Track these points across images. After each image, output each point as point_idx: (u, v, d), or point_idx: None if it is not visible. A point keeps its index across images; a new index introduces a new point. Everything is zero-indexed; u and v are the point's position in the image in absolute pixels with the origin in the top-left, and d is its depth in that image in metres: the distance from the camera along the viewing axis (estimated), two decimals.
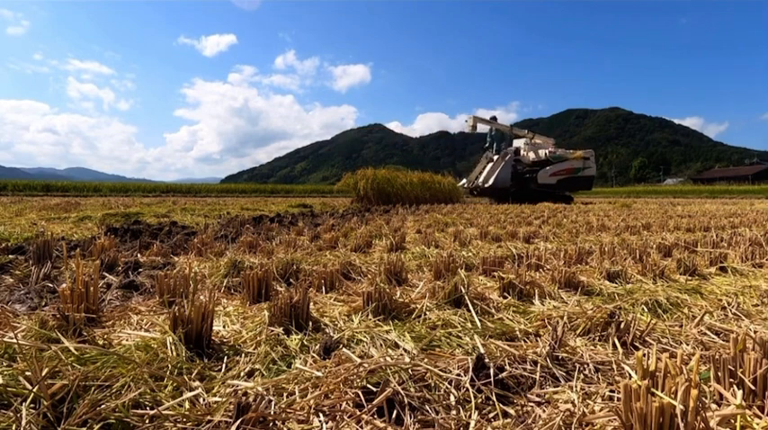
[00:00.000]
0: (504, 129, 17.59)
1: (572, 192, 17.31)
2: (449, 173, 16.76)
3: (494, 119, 17.79)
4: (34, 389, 0.87)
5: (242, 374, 1.12)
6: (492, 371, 1.05)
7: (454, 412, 0.94)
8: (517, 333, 1.45)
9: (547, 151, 16.53)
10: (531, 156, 16.68)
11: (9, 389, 0.89)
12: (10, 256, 2.58)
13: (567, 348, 1.27)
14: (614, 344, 1.32)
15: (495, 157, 16.22)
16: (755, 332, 1.47)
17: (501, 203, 14.31)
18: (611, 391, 1.03)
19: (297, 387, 1.01)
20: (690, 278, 2.37)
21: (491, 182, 15.50)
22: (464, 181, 17.30)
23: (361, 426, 0.88)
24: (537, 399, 1.01)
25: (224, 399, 0.96)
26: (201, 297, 1.72)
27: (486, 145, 17.43)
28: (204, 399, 0.96)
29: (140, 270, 2.33)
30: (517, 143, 17.47)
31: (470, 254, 3.04)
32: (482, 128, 17.52)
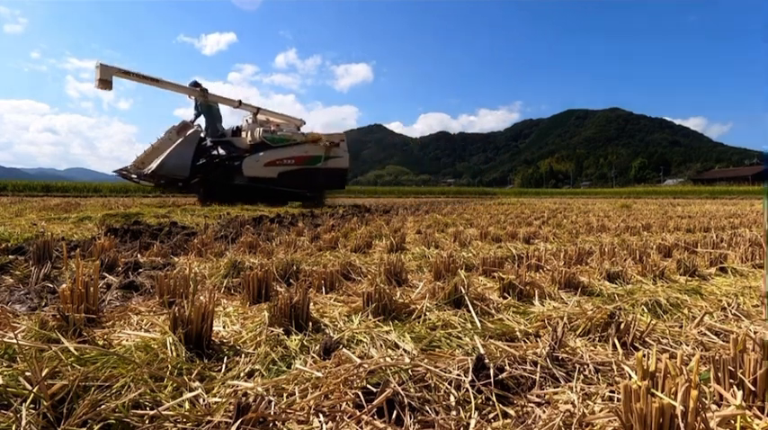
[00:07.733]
0: (198, 95, 11.86)
1: (313, 190, 12.25)
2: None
3: (196, 84, 12.06)
4: (34, 390, 0.87)
5: (242, 375, 1.12)
6: (492, 371, 1.05)
7: (454, 413, 0.94)
8: (517, 333, 1.45)
9: (261, 130, 11.53)
10: (249, 138, 11.75)
11: (9, 389, 0.89)
12: (10, 257, 2.58)
13: (567, 349, 1.27)
14: (614, 345, 1.32)
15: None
16: (755, 332, 1.47)
17: (187, 194, 10.29)
18: (612, 392, 1.03)
19: (297, 387, 1.01)
20: (690, 279, 2.37)
21: (155, 165, 10.46)
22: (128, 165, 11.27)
23: (361, 427, 0.88)
24: (537, 400, 1.01)
25: (224, 400, 0.96)
26: (201, 297, 1.71)
27: (192, 119, 12.10)
28: (204, 400, 0.95)
29: (140, 270, 2.33)
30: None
31: (470, 254, 3.04)
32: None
